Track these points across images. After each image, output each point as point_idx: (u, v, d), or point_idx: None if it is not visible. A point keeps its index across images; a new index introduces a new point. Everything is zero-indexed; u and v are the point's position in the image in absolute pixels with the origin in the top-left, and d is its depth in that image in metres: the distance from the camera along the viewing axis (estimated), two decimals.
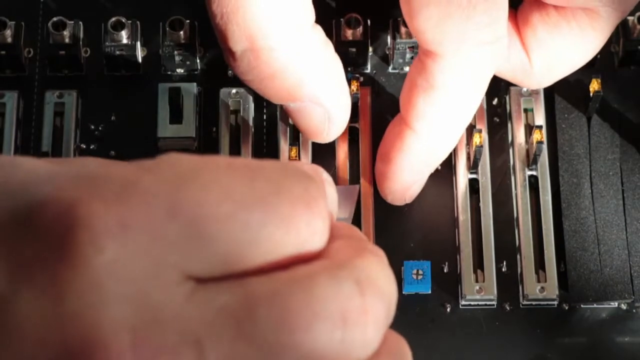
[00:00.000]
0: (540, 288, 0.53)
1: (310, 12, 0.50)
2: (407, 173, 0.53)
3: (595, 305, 0.54)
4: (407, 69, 0.58)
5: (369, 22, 0.57)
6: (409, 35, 0.57)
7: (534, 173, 0.56)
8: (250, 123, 0.57)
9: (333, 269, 0.34)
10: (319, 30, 0.51)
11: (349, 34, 0.57)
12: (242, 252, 0.34)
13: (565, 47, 0.52)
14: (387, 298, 0.35)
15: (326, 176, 0.39)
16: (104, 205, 0.32)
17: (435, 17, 0.47)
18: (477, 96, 0.51)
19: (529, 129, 0.57)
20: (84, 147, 0.57)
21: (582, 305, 0.54)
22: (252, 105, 0.57)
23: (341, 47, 0.56)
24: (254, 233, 0.33)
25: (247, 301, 0.33)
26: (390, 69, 0.58)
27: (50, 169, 0.34)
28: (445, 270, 0.54)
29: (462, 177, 0.56)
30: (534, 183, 0.56)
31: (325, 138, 0.54)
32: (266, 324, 0.33)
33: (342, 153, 0.56)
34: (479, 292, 0.53)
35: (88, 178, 0.33)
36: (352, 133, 0.56)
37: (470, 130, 0.55)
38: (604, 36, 0.52)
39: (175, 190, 0.33)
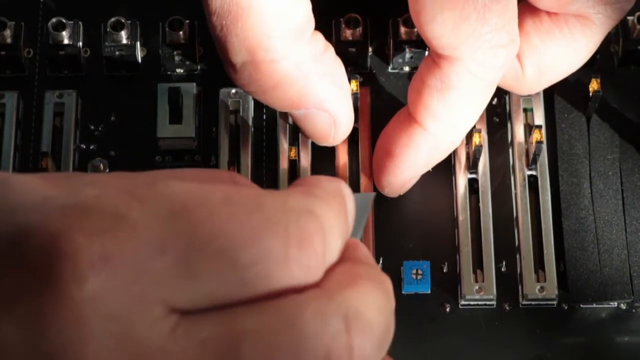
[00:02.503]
0: (540, 288, 0.53)
1: (310, 21, 0.50)
2: (411, 169, 0.53)
3: (594, 305, 0.54)
4: (407, 69, 0.58)
5: (368, 22, 0.57)
6: (409, 35, 0.57)
7: (533, 173, 0.56)
8: (250, 123, 0.57)
9: (322, 301, 0.34)
10: (319, 37, 0.51)
11: (348, 34, 0.57)
12: (230, 289, 0.33)
13: (557, 53, 0.52)
14: (378, 333, 0.35)
15: (347, 191, 0.38)
16: (89, 238, 0.32)
17: (450, 21, 0.48)
18: (488, 96, 0.51)
19: (529, 128, 0.57)
20: (84, 147, 0.57)
21: (581, 305, 0.54)
22: (251, 105, 0.57)
23: (341, 47, 0.56)
24: (243, 271, 0.33)
25: (231, 335, 0.33)
26: (390, 69, 0.58)
27: (42, 194, 0.33)
28: (444, 270, 0.54)
29: (462, 177, 0.56)
30: (533, 183, 0.56)
31: (332, 142, 0.55)
32: (249, 359, 0.32)
33: (342, 153, 0.56)
34: (478, 292, 0.53)
35: (77, 208, 0.32)
36: (352, 133, 0.55)
37: (470, 130, 0.55)
38: (595, 43, 0.52)
39: (165, 224, 0.33)
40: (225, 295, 0.33)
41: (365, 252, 0.38)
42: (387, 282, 0.37)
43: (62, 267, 0.31)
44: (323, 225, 0.35)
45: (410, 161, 0.53)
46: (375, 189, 0.55)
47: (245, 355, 0.32)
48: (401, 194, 0.55)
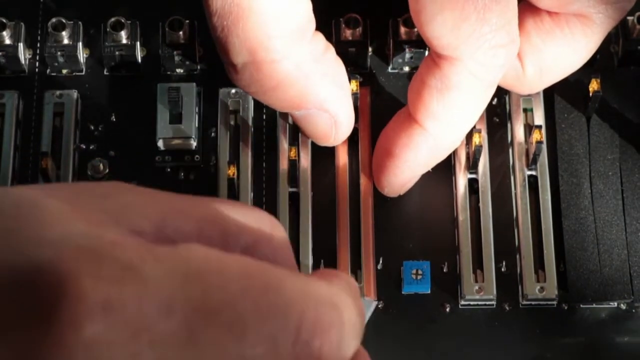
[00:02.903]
0: (540, 288, 0.53)
1: (310, 21, 0.50)
2: (411, 169, 0.54)
3: (594, 305, 0.54)
4: (406, 69, 0.58)
5: (368, 22, 0.57)
6: (409, 35, 0.57)
7: (533, 173, 0.56)
8: (250, 123, 0.57)
9: None
10: (319, 38, 0.51)
11: (348, 34, 0.57)
12: None
13: (558, 53, 0.52)
14: None
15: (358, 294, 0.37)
16: (95, 286, 0.31)
17: (450, 21, 0.48)
18: (488, 96, 0.51)
19: (529, 128, 0.57)
20: (84, 147, 0.57)
21: (581, 305, 0.54)
22: (251, 105, 0.57)
23: (341, 47, 0.56)
24: (247, 349, 0.32)
25: None
26: (389, 69, 0.58)
27: (62, 229, 0.32)
28: (444, 270, 0.54)
29: (462, 177, 0.56)
30: (533, 183, 0.56)
31: (333, 142, 0.55)
32: None
33: (342, 153, 0.56)
34: (478, 292, 0.53)
35: (92, 252, 0.32)
36: (352, 133, 0.55)
37: (470, 130, 0.55)
38: (595, 43, 0.52)
39: (176, 285, 0.32)
40: None
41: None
42: None
43: (63, 309, 0.30)
44: (342, 320, 0.34)
45: (410, 161, 0.53)
46: (375, 195, 0.55)
47: None
48: (401, 194, 0.55)
